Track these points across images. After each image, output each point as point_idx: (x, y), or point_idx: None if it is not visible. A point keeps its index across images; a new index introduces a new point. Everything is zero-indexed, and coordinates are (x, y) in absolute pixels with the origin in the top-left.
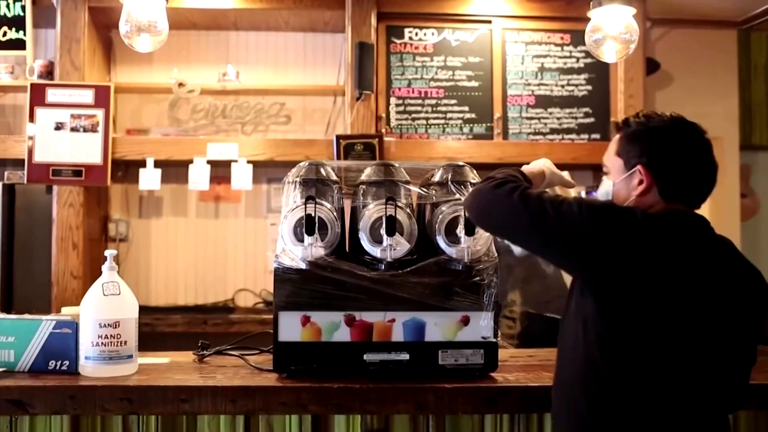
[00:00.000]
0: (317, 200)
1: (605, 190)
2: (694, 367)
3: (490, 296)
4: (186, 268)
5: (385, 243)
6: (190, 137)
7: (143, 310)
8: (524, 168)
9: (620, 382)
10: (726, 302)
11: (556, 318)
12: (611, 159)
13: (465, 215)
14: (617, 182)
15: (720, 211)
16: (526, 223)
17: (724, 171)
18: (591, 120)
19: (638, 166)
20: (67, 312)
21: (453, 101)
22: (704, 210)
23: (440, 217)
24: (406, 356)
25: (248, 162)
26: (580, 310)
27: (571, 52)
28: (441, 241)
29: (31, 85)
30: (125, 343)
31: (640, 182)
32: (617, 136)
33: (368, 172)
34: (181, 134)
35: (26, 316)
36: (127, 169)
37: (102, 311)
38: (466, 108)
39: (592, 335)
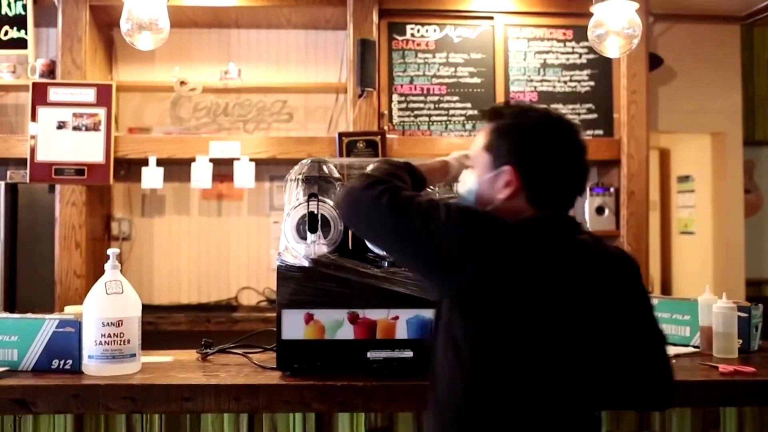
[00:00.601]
0: (320, 198)
1: (468, 186)
2: (572, 368)
3: None
4: (189, 266)
5: None
6: (192, 135)
7: (146, 308)
8: (427, 162)
9: (502, 398)
10: (600, 301)
11: None
12: (478, 152)
13: None
14: (481, 180)
15: (723, 207)
16: (391, 232)
17: (727, 167)
18: (594, 116)
19: (506, 167)
20: (70, 311)
21: (455, 98)
22: (707, 207)
23: None
24: (409, 354)
25: (250, 160)
26: (450, 329)
27: (573, 47)
28: None
29: (33, 84)
30: (128, 341)
31: (507, 184)
32: (487, 127)
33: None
34: (183, 132)
35: (29, 315)
36: (129, 168)
37: (105, 310)
38: (469, 104)
39: (467, 354)
